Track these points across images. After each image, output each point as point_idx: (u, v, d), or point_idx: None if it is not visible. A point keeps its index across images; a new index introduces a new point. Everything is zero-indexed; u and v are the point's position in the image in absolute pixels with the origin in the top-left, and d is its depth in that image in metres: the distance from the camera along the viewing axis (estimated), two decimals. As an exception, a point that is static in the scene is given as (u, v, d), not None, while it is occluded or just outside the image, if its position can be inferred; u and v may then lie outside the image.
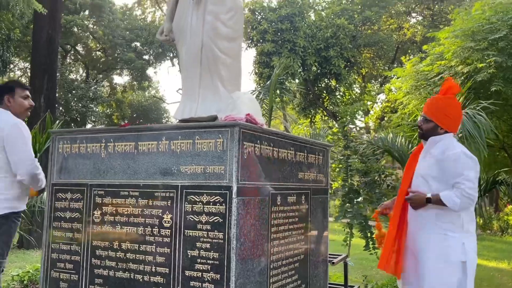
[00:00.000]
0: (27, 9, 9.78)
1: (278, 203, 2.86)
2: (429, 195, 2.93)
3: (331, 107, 18.11)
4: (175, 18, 3.45)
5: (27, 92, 3.52)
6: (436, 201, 2.90)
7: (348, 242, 6.48)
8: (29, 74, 17.46)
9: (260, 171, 2.70)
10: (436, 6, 19.31)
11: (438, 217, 2.94)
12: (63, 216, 2.97)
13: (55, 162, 3.02)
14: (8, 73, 17.12)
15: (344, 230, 6.63)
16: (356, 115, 6.76)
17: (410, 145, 6.87)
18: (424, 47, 8.81)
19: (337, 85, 17.85)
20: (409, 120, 7.61)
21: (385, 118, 18.82)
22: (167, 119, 24.85)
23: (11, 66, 17.49)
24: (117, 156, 2.80)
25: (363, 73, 19.92)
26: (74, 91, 19.01)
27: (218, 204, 2.47)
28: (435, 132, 3.07)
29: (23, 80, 20.34)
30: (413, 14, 20.56)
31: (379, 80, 21.00)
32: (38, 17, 11.25)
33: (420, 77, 7.55)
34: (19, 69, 20.64)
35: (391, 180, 7.50)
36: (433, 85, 7.26)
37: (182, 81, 3.41)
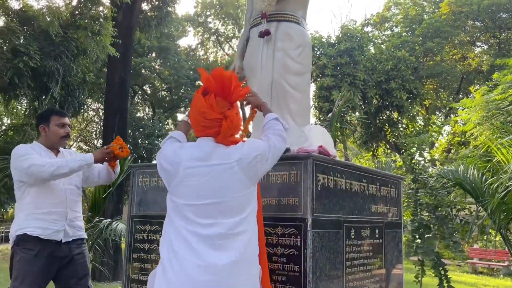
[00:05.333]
0: (102, 54, 10.54)
1: (352, 236, 2.82)
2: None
3: (393, 139, 17.70)
4: (245, 56, 3.59)
5: (65, 120, 3.23)
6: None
7: (419, 279, 6.19)
8: (101, 114, 18.59)
9: (334, 203, 2.69)
10: (503, 34, 18.62)
11: None
12: (142, 247, 3.09)
13: (135, 195, 3.19)
14: (82, 114, 18.33)
15: (415, 267, 6.35)
16: (423, 146, 6.54)
17: (483, 178, 6.55)
18: (494, 75, 8.50)
19: (400, 118, 17.48)
20: (481, 152, 7.28)
21: (452, 151, 18.09)
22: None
23: (85, 107, 18.71)
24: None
25: (427, 105, 19.40)
26: (141, 129, 19.95)
27: (293, 236, 2.48)
28: None
29: (96, 119, 21.67)
30: (478, 43, 19.91)
31: (444, 111, 20.33)
32: (111, 61, 12.06)
33: (492, 106, 7.26)
34: (92, 110, 22.02)
35: (464, 214, 7.15)
36: (506, 114, 6.95)
37: (253, 116, 3.50)
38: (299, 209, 2.49)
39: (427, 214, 6.57)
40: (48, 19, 10.69)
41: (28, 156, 2.97)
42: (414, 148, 6.35)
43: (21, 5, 11.98)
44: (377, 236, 3.14)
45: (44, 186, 3.03)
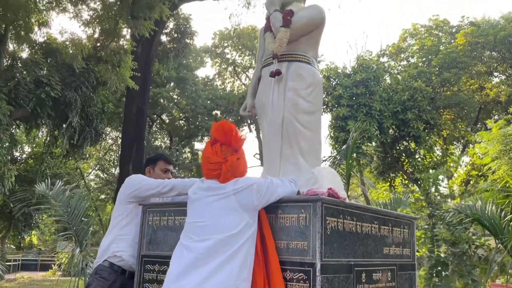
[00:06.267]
0: (121, 86, 10.78)
1: (363, 281, 2.77)
2: None
3: (411, 170, 17.49)
4: (257, 95, 3.64)
5: (169, 166, 3.58)
6: None
7: (438, 319, 6.00)
8: (119, 143, 18.88)
9: (343, 247, 2.65)
10: (521, 64, 18.51)
11: None
12: None
13: (145, 234, 3.19)
14: (100, 143, 18.62)
15: (433, 305, 6.16)
16: (439, 181, 6.44)
17: (502, 213, 6.41)
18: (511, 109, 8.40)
19: (417, 148, 17.31)
20: (499, 186, 7.14)
21: (471, 182, 17.76)
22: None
23: (103, 135, 19.02)
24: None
25: (444, 135, 19.19)
26: (158, 158, 20.14)
27: (301, 281, 2.45)
28: None
29: (114, 148, 21.96)
30: (495, 74, 19.79)
31: (462, 141, 20.08)
32: (130, 91, 12.33)
33: (509, 141, 7.15)
34: (111, 138, 22.37)
35: (483, 251, 6.96)
36: (524, 149, 6.84)
37: (264, 155, 3.53)
38: (308, 253, 2.47)
39: (445, 250, 6.42)
40: (71, 52, 11.02)
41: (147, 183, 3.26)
42: (430, 183, 6.26)
43: (46, 38, 12.43)
44: (389, 279, 3.08)
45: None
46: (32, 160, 17.52)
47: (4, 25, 11.07)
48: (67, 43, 11.47)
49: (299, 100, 3.38)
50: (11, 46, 12.40)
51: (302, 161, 3.28)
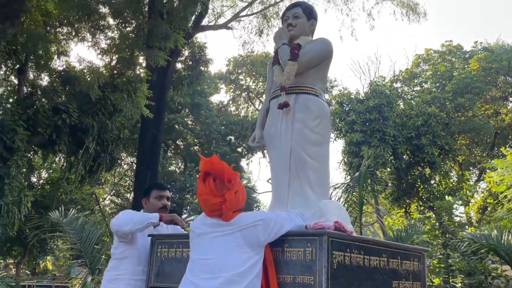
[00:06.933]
0: (136, 114, 10.97)
1: (371, 316, 2.74)
2: None
3: (426, 196, 17.25)
4: (266, 126, 3.69)
5: (163, 192, 3.52)
6: None
7: None
8: (134, 168, 19.06)
9: (351, 281, 2.64)
10: (537, 90, 18.35)
11: None
12: (159, 319, 3.08)
13: (153, 266, 3.21)
14: (115, 168, 18.80)
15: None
16: (454, 210, 6.35)
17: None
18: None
19: (432, 174, 17.12)
20: (516, 215, 7.01)
21: (488, 208, 17.42)
22: (257, 208, 25.22)
23: (119, 161, 19.23)
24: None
25: (460, 161, 18.97)
26: (173, 183, 20.23)
27: (308, 316, 2.43)
28: None
29: (130, 173, 22.15)
30: (511, 99, 19.63)
31: (478, 167, 19.80)
32: (144, 118, 12.53)
33: (525, 168, 7.06)
34: (126, 164, 22.57)
35: (500, 282, 6.78)
36: (540, 177, 6.73)
37: (272, 186, 3.55)
38: (314, 288, 2.46)
39: (460, 281, 6.29)
40: (89, 79, 11.27)
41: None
42: (443, 212, 6.18)
43: (65, 66, 12.78)
44: (399, 313, 3.03)
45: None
46: (48, 186, 17.75)
47: (25, 55, 11.43)
48: (85, 71, 11.77)
49: (307, 132, 3.41)
50: (31, 75, 12.78)
51: (310, 193, 3.29)
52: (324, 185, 3.46)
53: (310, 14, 3.75)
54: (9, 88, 12.97)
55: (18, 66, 11.86)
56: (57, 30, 12.06)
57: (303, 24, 3.67)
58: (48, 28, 11.55)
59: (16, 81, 12.47)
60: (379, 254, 2.95)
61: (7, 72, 12.75)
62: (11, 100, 12.11)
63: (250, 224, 2.48)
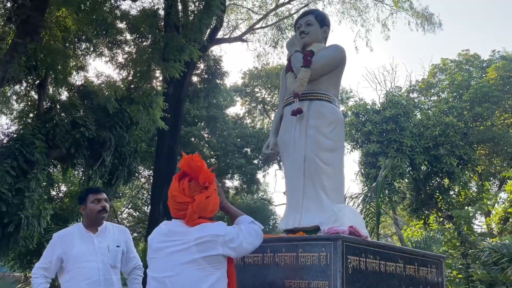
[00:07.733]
0: (152, 127, 11.08)
1: (388, 322, 2.70)
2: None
3: (445, 207, 16.97)
4: (279, 133, 3.70)
5: (99, 195, 3.38)
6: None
7: None
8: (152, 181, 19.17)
9: (366, 287, 2.61)
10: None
11: None
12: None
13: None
14: (133, 181, 18.96)
15: None
16: (473, 219, 6.24)
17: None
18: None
19: (451, 184, 16.85)
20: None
21: (510, 219, 17.03)
22: (274, 220, 25.11)
23: (136, 174, 19.39)
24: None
25: (479, 171, 18.64)
26: (189, 196, 20.28)
27: (323, 321, 2.41)
28: None
29: (147, 186, 22.29)
30: (530, 108, 19.30)
31: (498, 177, 19.42)
32: (161, 131, 12.64)
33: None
34: (143, 177, 22.73)
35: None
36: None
37: (287, 192, 3.55)
38: (329, 292, 2.44)
39: (482, 292, 6.14)
40: (106, 93, 11.45)
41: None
42: (462, 221, 6.07)
43: (83, 81, 13.02)
44: (416, 321, 2.98)
45: (80, 266, 3.19)
46: (67, 199, 17.96)
47: (44, 70, 11.69)
48: (103, 85, 11.98)
49: (321, 138, 3.42)
50: (50, 90, 13.04)
51: (325, 198, 3.29)
52: (338, 191, 3.45)
53: (323, 21, 3.78)
54: (29, 103, 13.25)
55: (38, 81, 12.12)
56: (76, 45, 12.31)
57: (316, 31, 3.70)
58: (67, 44, 11.79)
59: (36, 96, 12.73)
60: (395, 260, 2.91)
61: (28, 88, 13.03)
62: (31, 115, 12.36)
63: (208, 239, 2.24)
